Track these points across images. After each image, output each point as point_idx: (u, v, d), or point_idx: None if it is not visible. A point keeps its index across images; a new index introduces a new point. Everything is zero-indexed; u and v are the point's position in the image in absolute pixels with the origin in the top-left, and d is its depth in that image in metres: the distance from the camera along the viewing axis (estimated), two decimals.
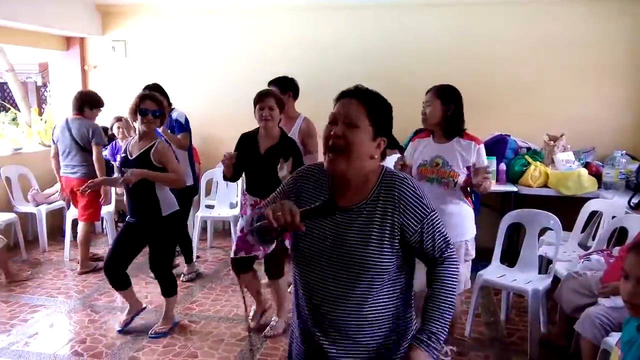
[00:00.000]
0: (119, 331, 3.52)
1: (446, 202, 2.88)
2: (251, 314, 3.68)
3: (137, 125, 3.33)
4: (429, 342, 1.46)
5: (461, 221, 2.94)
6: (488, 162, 4.59)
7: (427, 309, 1.52)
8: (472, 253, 3.00)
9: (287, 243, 3.39)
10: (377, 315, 1.52)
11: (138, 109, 3.27)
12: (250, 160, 3.33)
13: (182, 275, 4.48)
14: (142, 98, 3.29)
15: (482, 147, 2.95)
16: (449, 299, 1.52)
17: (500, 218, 4.00)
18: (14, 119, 7.96)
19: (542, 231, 3.73)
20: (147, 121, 3.27)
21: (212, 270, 4.77)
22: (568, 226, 3.82)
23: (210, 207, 5.42)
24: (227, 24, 5.76)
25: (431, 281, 1.56)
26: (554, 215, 3.45)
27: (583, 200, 4.21)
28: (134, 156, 3.31)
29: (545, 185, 4.59)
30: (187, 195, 4.35)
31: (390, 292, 1.53)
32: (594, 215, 4.01)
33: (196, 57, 5.87)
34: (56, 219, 5.66)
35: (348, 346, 1.53)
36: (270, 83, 3.97)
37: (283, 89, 3.85)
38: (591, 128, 5.01)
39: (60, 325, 3.68)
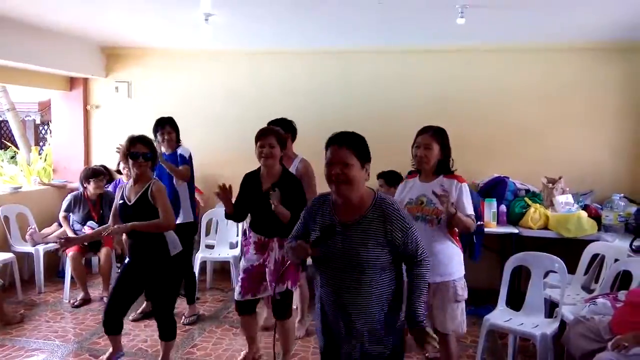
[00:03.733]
0: None
1: (432, 241, 2.90)
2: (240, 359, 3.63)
3: (130, 169, 3.32)
4: (422, 322, 2.13)
5: (447, 261, 2.97)
6: (488, 204, 4.70)
7: (413, 298, 2.15)
8: (463, 294, 3.00)
9: (290, 285, 3.37)
10: (377, 295, 2.14)
11: (128, 153, 3.26)
12: (254, 198, 3.33)
13: (183, 317, 4.40)
14: (131, 141, 3.28)
15: (464, 185, 2.99)
16: (425, 290, 2.20)
17: (501, 260, 4.01)
18: (12, 157, 7.95)
19: (545, 273, 3.74)
20: (138, 164, 3.25)
21: (212, 311, 4.70)
22: (569, 268, 3.83)
23: (210, 247, 5.39)
24: (228, 67, 5.89)
25: (413, 276, 2.18)
26: (558, 259, 3.47)
27: (583, 242, 4.24)
28: (132, 201, 3.28)
29: (545, 227, 4.63)
30: (189, 233, 4.36)
31: (385, 279, 2.16)
32: (595, 257, 4.04)
33: (198, 98, 5.96)
34: (52, 259, 5.59)
35: (359, 318, 2.15)
36: (271, 123, 4.00)
37: (284, 130, 3.83)
38: (589, 171, 5.10)
39: None
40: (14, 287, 4.93)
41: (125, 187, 3.38)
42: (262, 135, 3.29)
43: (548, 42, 5.07)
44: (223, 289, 5.32)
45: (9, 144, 8.11)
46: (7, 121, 8.60)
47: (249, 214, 3.46)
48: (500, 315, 3.48)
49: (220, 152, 5.76)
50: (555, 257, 3.50)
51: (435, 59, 5.44)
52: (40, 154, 6.71)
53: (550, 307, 3.83)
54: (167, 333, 3.43)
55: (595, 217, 4.61)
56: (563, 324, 3.37)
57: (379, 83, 5.57)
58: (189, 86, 5.99)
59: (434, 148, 2.97)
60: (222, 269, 5.75)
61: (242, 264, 3.46)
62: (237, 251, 5.28)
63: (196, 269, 4.98)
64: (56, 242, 3.58)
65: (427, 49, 5.37)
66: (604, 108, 5.15)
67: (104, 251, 4.97)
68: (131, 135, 3.34)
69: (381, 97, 5.56)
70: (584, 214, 4.55)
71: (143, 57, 6.04)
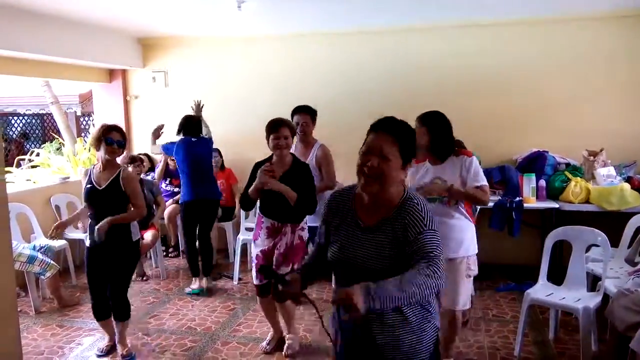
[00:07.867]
0: (98, 356, 3.63)
1: (448, 216, 2.99)
2: (267, 340, 3.73)
3: (101, 154, 3.38)
4: (371, 288, 1.53)
5: (461, 236, 3.02)
6: (527, 179, 4.65)
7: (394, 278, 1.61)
8: (474, 269, 3.07)
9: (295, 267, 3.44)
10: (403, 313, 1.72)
11: (104, 138, 3.32)
12: None
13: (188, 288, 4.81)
14: (108, 129, 3.37)
15: (472, 159, 3.00)
16: (412, 283, 1.57)
17: (542, 236, 3.97)
18: (58, 149, 8.27)
19: (587, 248, 3.71)
20: (111, 151, 3.34)
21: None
22: (612, 242, 3.79)
23: (250, 229, 5.52)
24: (261, 52, 5.96)
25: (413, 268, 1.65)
26: (600, 232, 3.43)
27: (627, 215, 4.17)
28: (102, 186, 3.36)
29: (586, 201, 4.56)
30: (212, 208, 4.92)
31: None
32: (639, 230, 3.96)
33: (232, 84, 6.07)
34: None
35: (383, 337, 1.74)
36: (299, 110, 4.09)
37: (313, 116, 4.10)
38: (631, 142, 4.97)
39: (116, 349, 3.75)
40: (68, 272, 5.20)
41: (92, 172, 3.45)
42: (276, 128, 3.37)
43: (583, 11, 4.90)
44: None
45: (55, 135, 8.42)
46: (51, 114, 8.92)
47: (260, 200, 3.50)
48: (542, 290, 3.48)
49: (255, 136, 5.84)
50: (597, 230, 3.47)
51: (463, 34, 5.35)
52: (84, 145, 6.96)
53: (593, 282, 3.80)
54: (122, 313, 3.57)
55: (639, 189, 4.51)
56: (606, 298, 3.35)
57: (410, 61, 5.53)
58: (223, 73, 6.10)
59: (420, 132, 2.96)
60: None
61: (253, 249, 3.57)
62: None
63: (237, 251, 5.17)
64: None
65: (456, 25, 5.28)
66: None
67: (150, 233, 5.17)
68: (105, 124, 3.43)
69: (412, 75, 5.52)
70: (627, 186, 4.45)
71: (177, 46, 6.17)
